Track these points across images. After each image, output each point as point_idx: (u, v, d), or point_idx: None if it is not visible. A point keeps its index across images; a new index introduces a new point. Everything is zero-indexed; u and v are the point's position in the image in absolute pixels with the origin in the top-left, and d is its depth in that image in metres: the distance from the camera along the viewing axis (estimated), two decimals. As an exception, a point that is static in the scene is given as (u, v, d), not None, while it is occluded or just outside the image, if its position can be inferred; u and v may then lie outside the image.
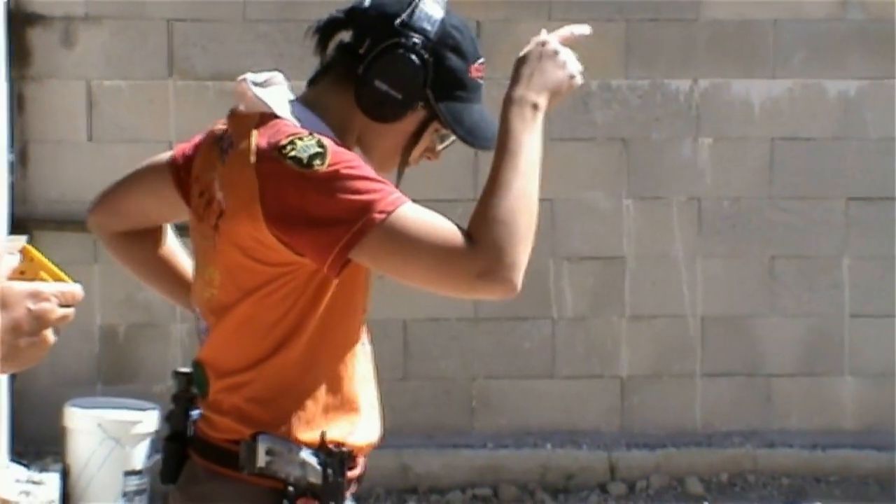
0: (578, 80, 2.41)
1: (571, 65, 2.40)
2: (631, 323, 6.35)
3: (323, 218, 2.26)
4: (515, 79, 2.38)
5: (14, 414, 5.75)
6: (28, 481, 5.55)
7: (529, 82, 2.37)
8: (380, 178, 2.30)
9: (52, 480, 5.59)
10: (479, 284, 2.25)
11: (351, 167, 2.28)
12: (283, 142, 2.31)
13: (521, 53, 2.41)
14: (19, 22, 5.95)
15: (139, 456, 5.70)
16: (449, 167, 6.06)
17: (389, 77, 2.39)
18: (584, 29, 2.45)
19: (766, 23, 6.32)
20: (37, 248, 1.79)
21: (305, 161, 2.28)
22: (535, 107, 2.36)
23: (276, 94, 2.43)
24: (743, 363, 6.41)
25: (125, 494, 5.69)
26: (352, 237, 2.25)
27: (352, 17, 2.46)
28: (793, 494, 6.15)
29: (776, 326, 6.41)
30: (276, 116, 2.38)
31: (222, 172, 2.39)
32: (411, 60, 2.39)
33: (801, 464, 6.26)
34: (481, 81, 2.48)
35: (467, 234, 2.26)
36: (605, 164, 6.26)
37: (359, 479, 2.50)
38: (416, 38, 2.40)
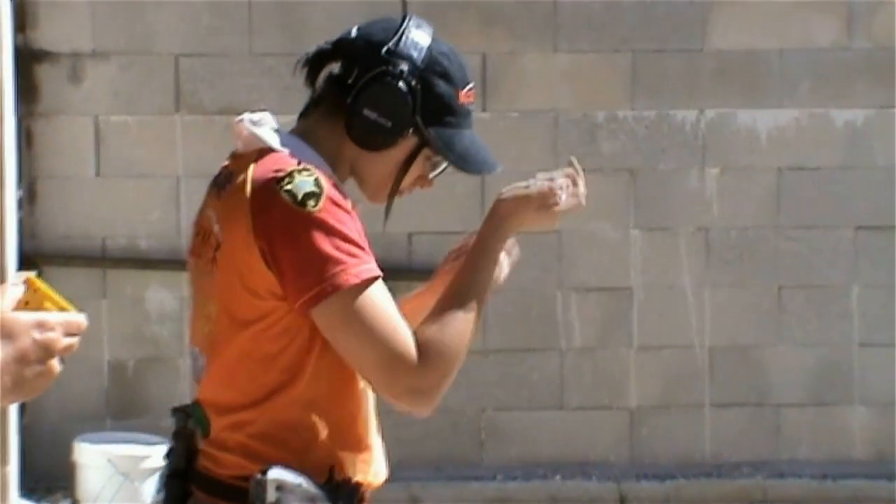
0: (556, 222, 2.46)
1: (559, 217, 2.44)
2: (639, 353, 6.35)
3: (299, 261, 2.28)
4: (510, 212, 2.42)
5: (24, 449, 5.75)
6: (38, 517, 5.55)
7: (518, 227, 2.43)
8: (363, 244, 2.32)
9: (61, 516, 5.59)
10: (406, 397, 2.33)
11: (340, 221, 2.30)
12: (282, 174, 2.32)
13: (529, 191, 2.44)
14: (27, 58, 5.98)
15: (149, 491, 5.69)
16: (456, 198, 6.07)
17: (378, 105, 2.40)
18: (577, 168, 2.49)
19: (772, 52, 6.33)
20: (42, 280, 1.80)
21: (299, 198, 2.30)
22: (503, 240, 2.43)
23: (270, 130, 2.44)
24: (752, 393, 6.40)
25: (135, 529, 5.68)
26: (318, 293, 2.28)
27: (339, 48, 2.48)
28: (804, 525, 6.13)
29: (785, 356, 6.40)
30: (272, 150, 2.39)
31: (219, 207, 2.41)
32: (399, 88, 2.40)
33: (812, 494, 6.23)
34: (471, 107, 2.50)
35: (417, 345, 2.30)
36: (611, 194, 6.27)
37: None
38: (403, 66, 2.41)
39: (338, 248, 2.28)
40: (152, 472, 5.70)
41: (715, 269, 6.36)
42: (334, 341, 2.33)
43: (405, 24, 2.46)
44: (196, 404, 2.47)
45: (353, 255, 2.28)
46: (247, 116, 2.45)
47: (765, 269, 6.37)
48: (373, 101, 2.40)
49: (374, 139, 2.42)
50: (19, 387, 1.72)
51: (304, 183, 2.31)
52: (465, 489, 6.13)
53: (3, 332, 1.71)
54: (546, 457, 6.29)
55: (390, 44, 2.42)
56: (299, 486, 2.36)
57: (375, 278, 2.30)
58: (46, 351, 1.73)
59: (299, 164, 2.35)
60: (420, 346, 2.31)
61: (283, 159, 2.36)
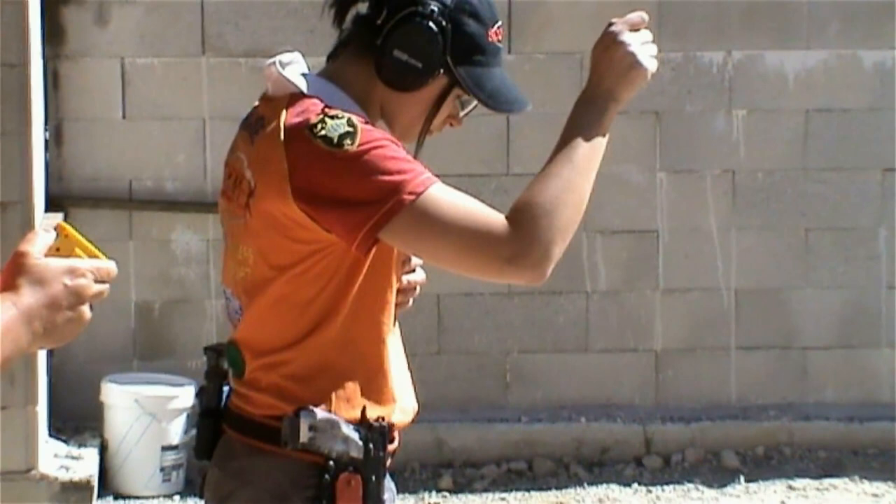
0: (650, 66, 2.40)
1: (641, 53, 2.39)
2: (665, 296, 6.34)
3: (352, 198, 2.27)
4: (591, 73, 2.40)
5: (52, 390, 5.79)
6: (67, 456, 5.59)
7: (597, 77, 2.40)
8: (409, 158, 2.32)
9: (90, 455, 5.63)
10: (508, 268, 2.27)
11: (381, 146, 2.29)
12: (314, 120, 2.32)
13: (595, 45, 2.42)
14: (53, 1, 5.97)
15: (176, 431, 5.73)
16: (480, 142, 6.06)
17: (408, 46, 2.38)
18: (644, 15, 2.44)
19: (801, -7, 6.28)
20: (72, 226, 1.81)
21: (335, 140, 2.29)
22: (602, 103, 2.38)
23: (300, 74, 2.43)
24: (778, 336, 6.40)
25: (162, 469, 5.72)
26: (381, 218, 2.27)
27: None
28: (830, 467, 6.13)
29: (811, 299, 6.39)
30: (304, 95, 2.38)
31: (251, 152, 2.40)
32: (429, 28, 2.39)
33: (838, 437, 6.24)
34: (500, 45, 2.48)
35: (506, 217, 2.27)
36: (637, 137, 6.24)
37: (393, 453, 2.51)
38: (433, 6, 2.40)
39: (388, 172, 2.27)
40: (179, 412, 5.74)
41: (741, 211, 6.34)
42: (417, 253, 2.35)
43: None
44: (231, 344, 2.48)
45: (404, 172, 2.28)
46: (277, 59, 2.44)
47: (792, 211, 6.35)
48: (403, 42, 2.38)
49: (405, 80, 2.41)
50: (50, 333, 1.73)
51: (337, 125, 2.30)
52: (490, 431, 6.15)
53: (35, 278, 1.72)
54: (571, 399, 6.30)
55: None
56: (332, 426, 2.37)
57: (433, 184, 2.28)
58: (77, 297, 1.74)
59: (328, 108, 2.34)
60: (512, 213, 2.27)
61: (314, 105, 2.36)
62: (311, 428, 2.36)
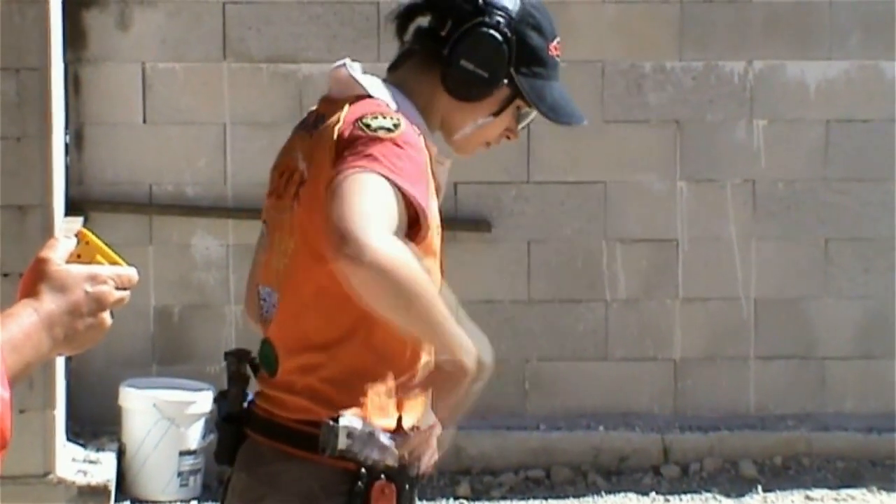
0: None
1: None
2: (684, 305, 6.33)
3: (348, 156, 2.29)
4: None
5: (70, 394, 5.80)
6: (84, 461, 5.60)
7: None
8: (417, 176, 2.30)
9: (108, 460, 5.64)
10: (342, 262, 2.21)
11: (400, 147, 2.30)
12: (367, 114, 2.35)
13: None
14: (75, 4, 5.99)
15: (194, 436, 5.74)
16: (501, 149, 6.03)
17: (475, 56, 2.42)
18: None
19: (822, 3, 6.27)
20: (92, 230, 1.82)
21: (373, 128, 2.32)
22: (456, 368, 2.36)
23: (374, 78, 2.46)
24: (797, 346, 6.38)
25: (180, 474, 5.73)
26: (342, 169, 2.27)
27: (431, 1, 2.49)
28: (848, 478, 6.11)
29: (831, 309, 6.37)
30: (369, 96, 2.42)
31: (308, 146, 2.43)
32: (496, 39, 2.43)
33: (857, 447, 6.22)
34: (559, 59, 2.51)
35: (381, 246, 2.20)
36: (658, 146, 6.24)
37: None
38: (499, 17, 2.44)
39: (385, 157, 2.28)
40: (197, 417, 5.74)
41: (762, 221, 6.33)
42: (326, 205, 2.28)
43: None
44: (266, 342, 2.48)
45: (388, 158, 2.28)
46: (348, 62, 2.47)
47: (812, 221, 6.34)
48: (470, 51, 2.42)
49: (470, 90, 2.44)
50: (71, 339, 1.73)
51: (383, 121, 2.33)
52: (509, 438, 6.15)
53: (56, 285, 1.72)
54: (590, 407, 6.29)
55: None
56: (371, 433, 2.36)
57: (398, 186, 2.27)
58: (98, 304, 1.75)
59: (387, 109, 2.37)
60: (380, 249, 2.20)
61: (377, 105, 2.39)
62: (349, 435, 2.35)
